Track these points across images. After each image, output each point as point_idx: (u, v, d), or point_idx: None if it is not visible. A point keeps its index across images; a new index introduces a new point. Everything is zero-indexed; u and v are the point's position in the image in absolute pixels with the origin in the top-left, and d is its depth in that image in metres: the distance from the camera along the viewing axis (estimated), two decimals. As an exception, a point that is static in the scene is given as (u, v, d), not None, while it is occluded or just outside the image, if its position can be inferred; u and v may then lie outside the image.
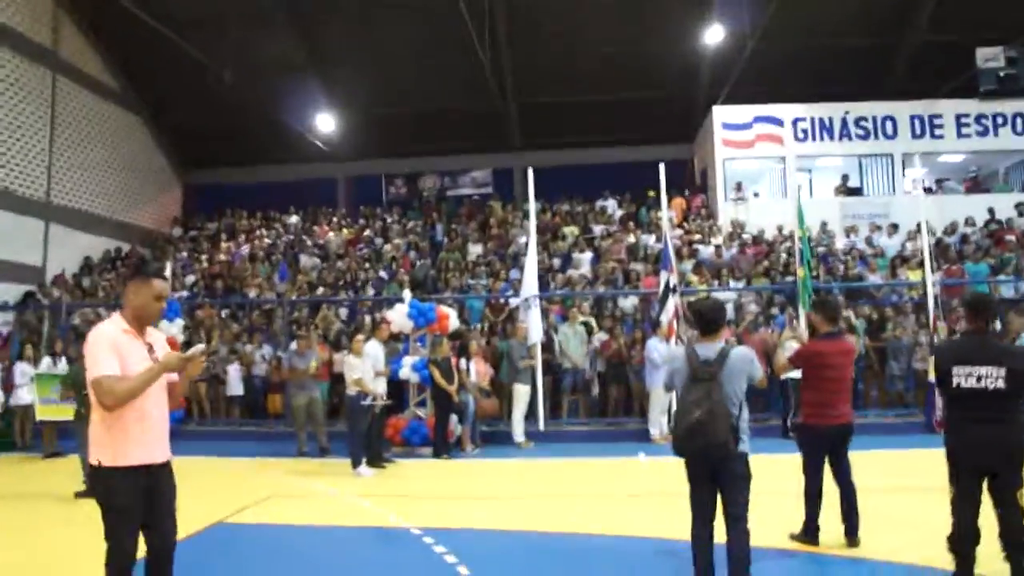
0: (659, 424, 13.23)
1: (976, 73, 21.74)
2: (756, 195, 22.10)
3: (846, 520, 6.55)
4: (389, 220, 23.19)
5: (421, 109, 24.16)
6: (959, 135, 21.92)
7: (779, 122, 21.78)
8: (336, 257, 20.59)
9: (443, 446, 11.95)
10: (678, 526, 5.76)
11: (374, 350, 11.45)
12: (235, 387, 14.94)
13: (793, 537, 6.74)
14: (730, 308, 16.02)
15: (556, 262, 19.24)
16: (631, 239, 20.36)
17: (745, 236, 20.21)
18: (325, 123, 23.91)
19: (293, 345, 13.51)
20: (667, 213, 14.95)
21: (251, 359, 15.25)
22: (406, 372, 12.65)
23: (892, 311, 15.70)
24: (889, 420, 14.10)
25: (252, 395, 15.31)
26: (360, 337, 11.22)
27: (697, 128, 24.28)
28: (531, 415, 13.50)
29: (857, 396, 14.61)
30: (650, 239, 20.33)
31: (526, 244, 19.86)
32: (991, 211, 20.52)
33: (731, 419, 5.03)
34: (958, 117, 21.90)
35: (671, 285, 13.65)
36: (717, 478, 5.18)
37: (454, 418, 12.41)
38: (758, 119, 21.81)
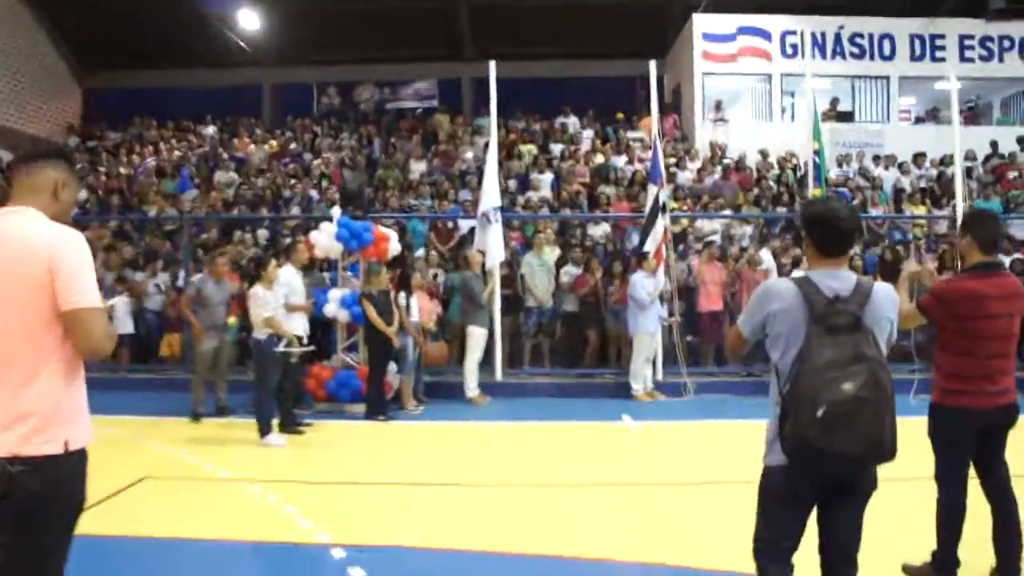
0: (643, 377, 10.89)
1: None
2: (725, 120, 19.64)
3: (1003, 554, 4.24)
4: (320, 133, 20.21)
5: (360, 9, 21.03)
6: (962, 58, 19.71)
7: (766, 35, 19.31)
8: (257, 173, 17.68)
9: (379, 404, 9.43)
10: (705, 545, 3.46)
11: (289, 279, 8.85)
12: (123, 324, 12.05)
13: (911, 571, 4.45)
14: (717, 239, 13.75)
15: (512, 184, 16.66)
16: (599, 159, 17.87)
17: (726, 161, 17.86)
18: (249, 20, 20.75)
19: (199, 276, 10.63)
20: (656, 120, 12.38)
21: (142, 289, 12.44)
22: (333, 308, 10.05)
23: (904, 249, 13.53)
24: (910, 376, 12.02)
25: (144, 334, 12.53)
26: (273, 263, 8.55)
27: (669, 43, 21.67)
28: (486, 363, 11.06)
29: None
30: (620, 160, 17.89)
31: (475, 160, 17.44)
32: (994, 144, 18.51)
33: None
34: (961, 39, 19.69)
35: (661, 203, 11.26)
36: (832, 497, 3.12)
37: (392, 367, 9.92)
38: (743, 30, 19.30)
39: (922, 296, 4.53)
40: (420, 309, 10.38)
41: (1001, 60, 19.89)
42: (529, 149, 18.68)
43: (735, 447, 8.12)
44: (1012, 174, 17.70)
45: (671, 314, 11.24)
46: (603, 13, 21.37)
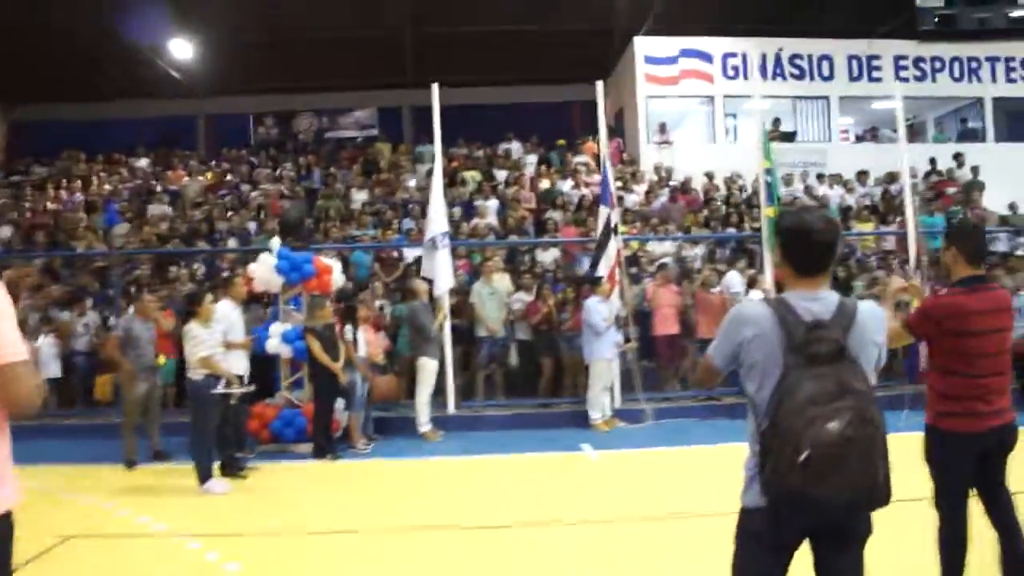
0: (601, 405, 10.55)
1: (915, 12, 19.91)
2: (670, 143, 19.53)
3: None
4: (257, 164, 19.63)
5: (298, 38, 20.57)
6: (898, 78, 19.97)
7: (708, 57, 19.35)
8: (193, 206, 17.03)
9: (326, 442, 8.93)
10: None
11: (227, 314, 8.32)
12: (49, 367, 11.36)
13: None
14: (670, 261, 13.55)
15: (457, 211, 16.28)
16: (544, 184, 17.62)
17: (672, 183, 17.76)
18: (181, 50, 20.11)
19: (132, 310, 9.98)
20: (605, 142, 12.16)
21: (70, 329, 11.74)
22: (275, 344, 9.55)
23: (857, 267, 13.48)
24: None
25: (73, 377, 11.81)
26: (208, 298, 8.03)
27: (611, 67, 21.61)
28: (438, 396, 10.62)
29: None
30: (566, 185, 17.67)
31: (417, 189, 17.05)
32: (932, 161, 18.77)
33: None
34: (896, 59, 20.01)
35: (612, 225, 11.00)
36: (823, 543, 2.80)
37: (340, 404, 9.43)
38: (685, 53, 19.30)
39: (909, 314, 4.26)
40: (367, 342, 9.92)
41: (934, 80, 20.27)
42: (473, 175, 18.36)
43: (700, 475, 7.82)
44: (951, 190, 17.92)
45: (627, 339, 10.95)
46: (544, 39, 21.23)
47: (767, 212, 11.50)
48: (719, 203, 16.21)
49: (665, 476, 7.95)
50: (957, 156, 18.86)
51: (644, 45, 19.25)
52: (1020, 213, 17.36)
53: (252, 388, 8.48)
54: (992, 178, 18.18)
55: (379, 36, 20.84)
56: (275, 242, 10.05)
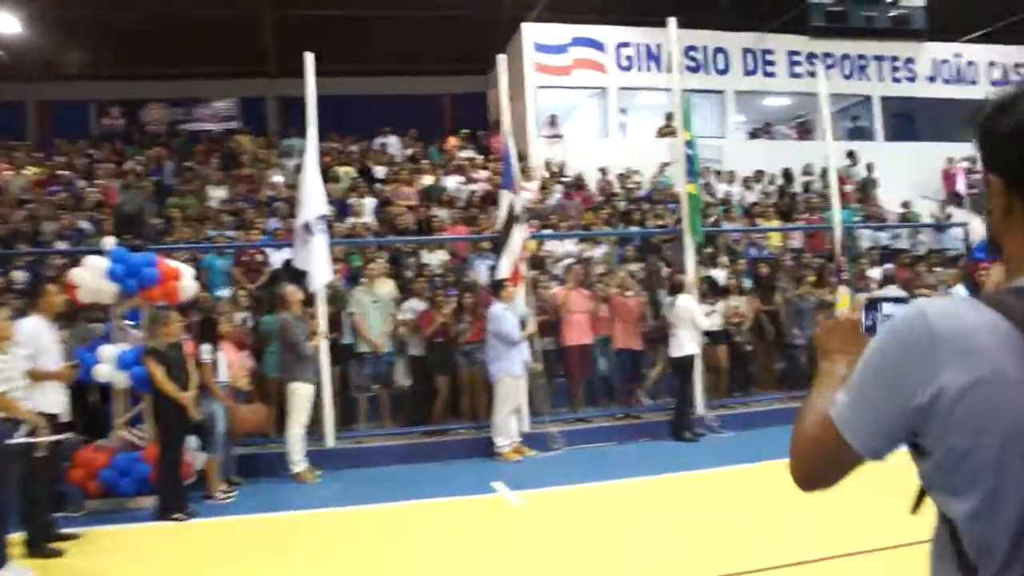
0: (508, 430, 9.05)
1: (806, 7, 19.39)
2: (561, 137, 18.29)
3: None
4: (97, 156, 17.16)
5: (149, 16, 18.25)
6: (791, 74, 19.49)
7: (601, 46, 18.19)
8: (18, 204, 14.53)
9: (174, 495, 7.04)
10: None
11: (36, 334, 6.35)
12: None
13: None
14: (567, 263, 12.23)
15: (330, 210, 14.45)
16: (427, 180, 16.02)
17: (565, 179, 16.50)
18: (7, 25, 17.44)
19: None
20: (506, 114, 10.63)
21: None
22: (107, 370, 7.59)
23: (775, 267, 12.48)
24: (791, 404, 10.84)
25: None
26: (3, 313, 6.03)
27: (496, 57, 20.20)
28: (313, 427, 8.87)
29: (748, 378, 11.29)
30: (450, 180, 16.12)
31: (285, 185, 15.16)
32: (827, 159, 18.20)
33: None
34: (789, 55, 19.48)
35: (516, 212, 9.54)
36: None
37: (193, 443, 7.57)
38: (576, 41, 18.07)
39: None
40: (229, 364, 8.08)
41: (826, 77, 19.76)
42: (347, 171, 16.57)
43: (649, 521, 6.46)
44: (848, 187, 17.36)
45: (533, 353, 9.50)
46: (425, 26, 19.68)
47: (689, 189, 10.29)
48: (620, 199, 15.00)
49: (612, 525, 6.47)
50: (851, 154, 18.39)
51: (534, 32, 17.91)
52: (914, 211, 17.00)
53: (69, 437, 6.53)
54: (882, 177, 17.87)
55: (237, 18, 18.78)
56: (108, 241, 8.10)
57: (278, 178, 15.78)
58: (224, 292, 10.64)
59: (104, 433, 7.95)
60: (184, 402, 7.07)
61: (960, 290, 10.67)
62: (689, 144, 10.31)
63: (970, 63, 21.63)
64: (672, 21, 10.77)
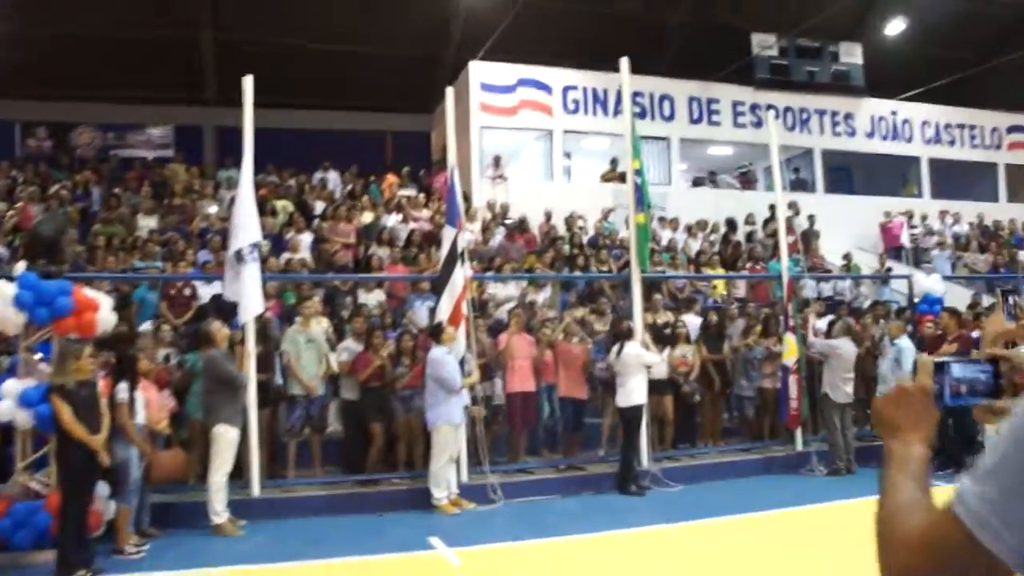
0: (446, 481, 8.57)
1: (752, 58, 19.65)
2: (504, 178, 18.03)
3: None
4: (20, 179, 16.32)
5: (80, 36, 17.58)
6: (735, 124, 19.63)
7: (547, 88, 18.07)
8: (-76, 229, 13.65)
9: (77, 550, 6.36)
10: None
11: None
12: None
13: None
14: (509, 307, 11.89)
15: (265, 243, 13.88)
16: (367, 217, 15.58)
17: (508, 221, 16.22)
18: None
19: None
20: (452, 146, 10.22)
21: None
22: (9, 408, 6.93)
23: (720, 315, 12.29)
24: (739, 457, 10.59)
25: None
26: None
27: (440, 96, 19.97)
28: (238, 474, 8.28)
29: (693, 429, 11.01)
30: (391, 219, 15.71)
31: (218, 217, 14.59)
32: (772, 208, 18.27)
33: None
34: (734, 104, 19.64)
35: (460, 249, 9.16)
36: None
37: (102, 490, 6.94)
38: (523, 82, 17.92)
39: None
40: (147, 404, 7.47)
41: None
42: (284, 205, 16.06)
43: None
44: (789, 238, 17.41)
45: (474, 399, 9.07)
46: (370, 62, 19.44)
47: (637, 219, 10.03)
48: (564, 244, 14.73)
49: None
50: (792, 205, 18.47)
51: (481, 71, 17.69)
52: (855, 263, 17.13)
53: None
54: (821, 228, 18.02)
55: (176, 40, 18.24)
56: (20, 267, 7.47)
57: (212, 209, 15.20)
58: (147, 326, 10.02)
59: (3, 478, 7.27)
60: (93, 446, 6.45)
61: (905, 342, 10.61)
62: (638, 173, 10.07)
63: (905, 121, 22.13)
64: (624, 60, 10.56)
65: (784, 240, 11.49)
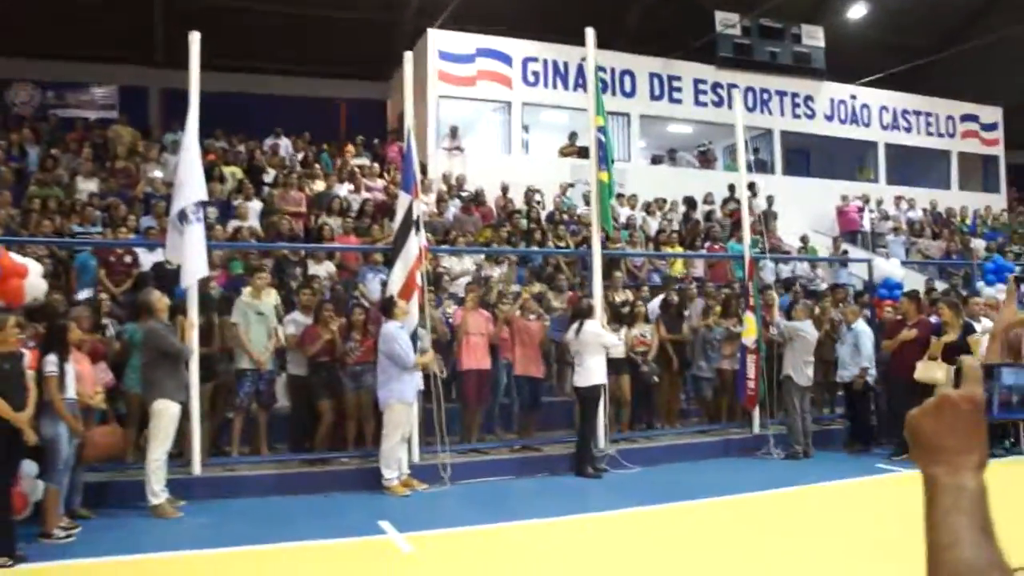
0: (397, 461, 8.26)
1: (715, 38, 19.45)
2: (461, 149, 17.62)
3: None
4: (-54, 138, 15.49)
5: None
6: (696, 102, 19.45)
7: (507, 59, 17.69)
8: None
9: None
10: None
11: None
12: None
13: None
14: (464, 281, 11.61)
15: (212, 212, 13.33)
16: (319, 186, 15.11)
17: (464, 193, 15.86)
18: None
19: None
20: (410, 111, 9.71)
21: None
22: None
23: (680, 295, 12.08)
24: (696, 439, 10.43)
25: None
26: None
27: (396, 64, 19.45)
28: (179, 449, 7.89)
29: (651, 410, 10.83)
30: (343, 188, 15.25)
31: (164, 183, 13.98)
32: (731, 188, 18.16)
33: None
34: (696, 82, 19.47)
35: (415, 216, 8.80)
36: None
37: (28, 470, 6.50)
38: (482, 52, 17.50)
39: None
40: (81, 378, 7.01)
41: (730, 107, 19.86)
42: (233, 171, 15.49)
43: (549, 572, 5.82)
44: (749, 218, 17.34)
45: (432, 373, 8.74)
46: (325, 26, 18.82)
47: (600, 177, 9.75)
48: (522, 218, 14.41)
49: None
50: (751, 186, 18.36)
51: (439, 39, 17.23)
52: (811, 245, 17.08)
53: None
54: (779, 210, 17.95)
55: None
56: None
57: (157, 173, 14.57)
58: (84, 295, 9.52)
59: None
60: (17, 423, 6.02)
61: (861, 326, 10.51)
62: (601, 130, 9.77)
63: (864, 105, 22.18)
64: (590, 30, 10.20)
65: (747, 220, 11.28)
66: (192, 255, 7.81)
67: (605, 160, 9.72)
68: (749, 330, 10.38)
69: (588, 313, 9.05)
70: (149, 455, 7.31)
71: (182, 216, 7.84)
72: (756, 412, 10.51)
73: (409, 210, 8.77)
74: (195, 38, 8.55)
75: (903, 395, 9.87)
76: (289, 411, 9.14)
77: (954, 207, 21.44)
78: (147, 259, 10.75)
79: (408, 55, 9.89)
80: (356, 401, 8.91)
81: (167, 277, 9.32)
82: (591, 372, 8.86)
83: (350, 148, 17.46)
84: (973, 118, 23.87)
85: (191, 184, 7.96)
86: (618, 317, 10.27)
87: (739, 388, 10.52)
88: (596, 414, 9.10)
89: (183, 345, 7.56)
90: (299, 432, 9.00)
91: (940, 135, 23.37)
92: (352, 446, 8.98)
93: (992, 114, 24.14)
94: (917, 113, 22.99)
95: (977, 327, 9.78)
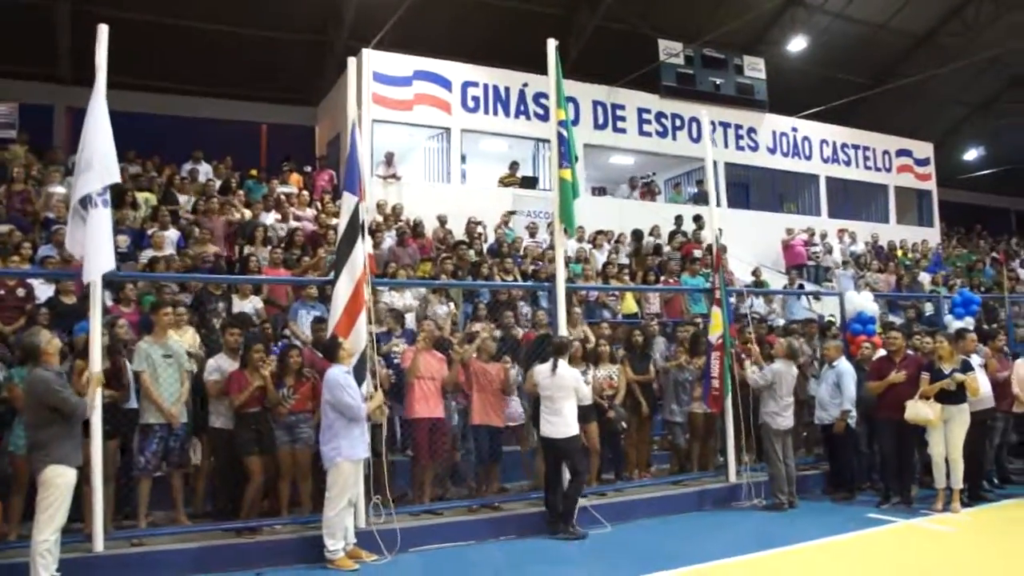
0: (343, 530, 7.02)
1: (658, 66, 18.93)
2: (397, 177, 16.51)
3: None
4: None
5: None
6: (640, 132, 18.85)
7: (446, 83, 16.76)
8: None
9: None
10: None
11: None
12: None
13: None
14: (411, 319, 10.51)
15: (124, 240, 11.89)
16: (241, 215, 13.84)
17: (401, 224, 14.75)
18: None
19: None
20: (352, 107, 8.46)
21: None
22: None
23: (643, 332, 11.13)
24: (670, 491, 9.41)
25: None
26: None
27: (327, 87, 18.36)
28: (75, 517, 6.50)
29: (619, 458, 9.82)
30: (268, 217, 14.00)
31: (66, 205, 12.48)
32: (678, 220, 17.50)
33: None
34: (640, 112, 18.90)
35: (363, 221, 7.64)
36: None
37: None
38: (420, 75, 16.55)
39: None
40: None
41: (674, 138, 19.40)
42: (147, 198, 14.11)
43: None
44: (697, 252, 16.66)
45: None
46: (249, 45, 17.65)
47: (562, 175, 8.79)
48: (468, 249, 13.36)
49: None
50: (698, 218, 17.78)
51: (374, 60, 16.17)
52: (763, 279, 16.47)
53: None
54: (725, 243, 17.36)
55: (27, 6, 16.06)
56: None
57: (59, 188, 13.09)
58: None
59: None
60: None
61: (844, 364, 9.72)
62: (563, 124, 8.82)
63: (805, 138, 22.03)
64: (552, 41, 9.23)
65: (716, 249, 10.42)
66: (96, 244, 6.43)
67: (568, 156, 8.77)
68: (715, 326, 9.54)
69: (563, 351, 7.98)
70: (36, 535, 5.88)
71: (85, 203, 6.48)
72: (732, 459, 9.61)
73: (355, 213, 7.61)
74: (103, 30, 7.31)
75: (890, 437, 9.22)
76: (210, 471, 7.80)
77: (894, 240, 21.33)
78: (44, 291, 9.34)
79: (352, 61, 8.82)
80: (291, 458, 7.64)
81: (65, 314, 7.97)
82: (568, 420, 7.78)
83: (297, 177, 16.27)
84: (907, 153, 24.02)
85: (97, 166, 6.56)
86: (584, 356, 9.26)
87: (705, 388, 9.60)
88: (564, 469, 8.03)
89: (79, 399, 6.16)
90: (223, 496, 7.66)
91: (878, 169, 23.43)
92: (287, 511, 7.68)
93: (924, 149, 24.40)
94: (855, 147, 23.00)
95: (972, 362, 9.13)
